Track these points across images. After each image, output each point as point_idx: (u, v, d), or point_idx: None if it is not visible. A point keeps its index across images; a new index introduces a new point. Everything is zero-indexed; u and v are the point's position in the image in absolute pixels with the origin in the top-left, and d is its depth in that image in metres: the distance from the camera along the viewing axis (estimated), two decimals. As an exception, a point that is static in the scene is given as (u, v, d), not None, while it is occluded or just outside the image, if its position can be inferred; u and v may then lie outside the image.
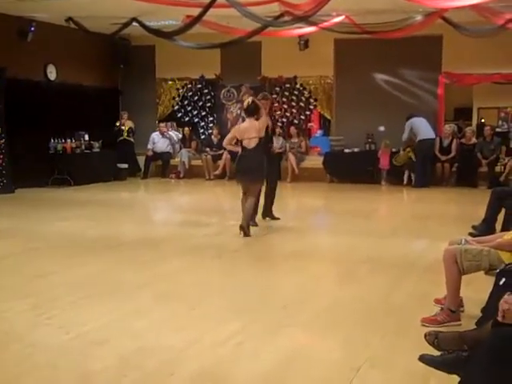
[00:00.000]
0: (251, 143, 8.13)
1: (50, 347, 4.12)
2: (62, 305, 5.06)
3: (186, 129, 16.24)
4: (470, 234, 7.05)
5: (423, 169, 13.60)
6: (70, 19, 13.00)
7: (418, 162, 13.63)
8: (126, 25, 12.71)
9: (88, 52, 15.22)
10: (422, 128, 13.57)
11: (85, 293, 5.42)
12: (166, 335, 4.36)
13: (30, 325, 4.58)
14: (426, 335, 4.01)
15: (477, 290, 4.91)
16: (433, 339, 3.94)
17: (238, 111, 15.15)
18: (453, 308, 4.52)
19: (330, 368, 3.81)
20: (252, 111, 8.26)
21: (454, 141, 13.81)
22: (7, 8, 12.13)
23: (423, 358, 3.76)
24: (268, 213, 9.18)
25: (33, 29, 13.40)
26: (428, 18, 11.34)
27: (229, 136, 8.51)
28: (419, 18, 11.44)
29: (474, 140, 13.82)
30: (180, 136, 16.16)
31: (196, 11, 10.36)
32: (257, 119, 8.26)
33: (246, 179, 8.21)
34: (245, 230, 7.94)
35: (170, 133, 15.96)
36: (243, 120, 9.28)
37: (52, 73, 14.48)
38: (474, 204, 10.11)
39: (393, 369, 3.82)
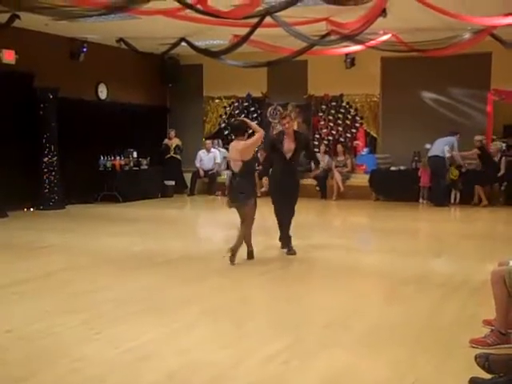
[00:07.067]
0: (235, 167, 7.31)
1: (98, 362, 4.19)
2: (111, 320, 5.16)
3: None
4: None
5: (434, 185, 13.57)
6: (121, 40, 13.35)
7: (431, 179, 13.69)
8: (175, 45, 13.01)
9: (138, 71, 15.55)
10: (434, 145, 13.49)
11: (133, 308, 5.51)
12: (213, 352, 4.39)
13: (80, 340, 4.66)
14: (476, 357, 3.91)
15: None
16: (483, 361, 3.84)
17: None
18: (503, 330, 4.43)
19: (377, 389, 3.78)
20: (235, 129, 7.43)
21: (503, 159, 13.57)
22: (60, 30, 12.51)
23: (473, 382, 3.68)
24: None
25: (85, 49, 13.77)
26: (477, 36, 11.22)
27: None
28: (468, 35, 11.33)
29: (523, 158, 13.57)
30: (226, 153, 16.28)
31: (243, 31, 10.50)
32: (243, 139, 7.30)
33: (233, 205, 7.47)
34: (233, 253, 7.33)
35: (213, 149, 16.07)
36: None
37: (103, 92, 14.84)
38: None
39: (441, 391, 3.77)
